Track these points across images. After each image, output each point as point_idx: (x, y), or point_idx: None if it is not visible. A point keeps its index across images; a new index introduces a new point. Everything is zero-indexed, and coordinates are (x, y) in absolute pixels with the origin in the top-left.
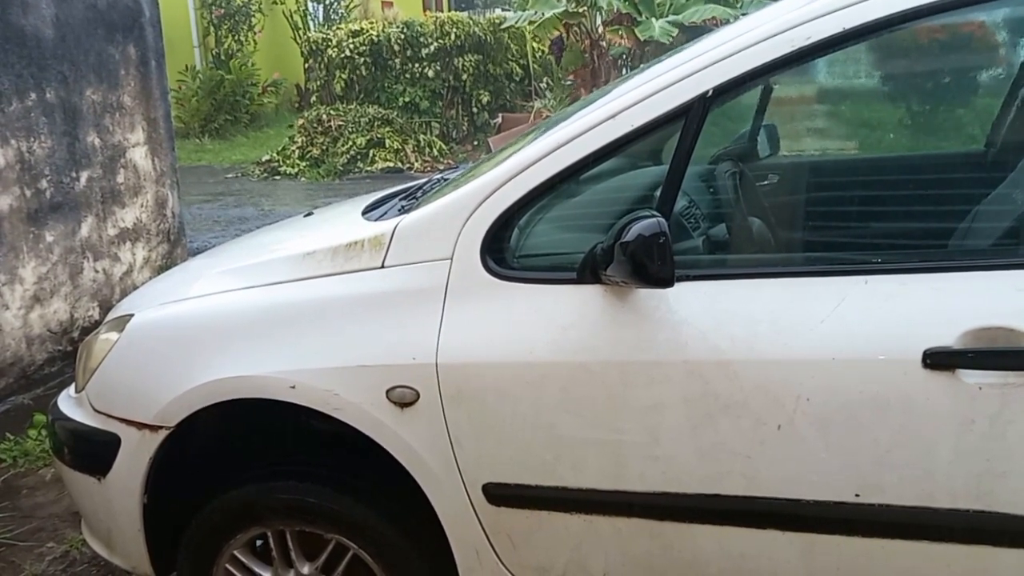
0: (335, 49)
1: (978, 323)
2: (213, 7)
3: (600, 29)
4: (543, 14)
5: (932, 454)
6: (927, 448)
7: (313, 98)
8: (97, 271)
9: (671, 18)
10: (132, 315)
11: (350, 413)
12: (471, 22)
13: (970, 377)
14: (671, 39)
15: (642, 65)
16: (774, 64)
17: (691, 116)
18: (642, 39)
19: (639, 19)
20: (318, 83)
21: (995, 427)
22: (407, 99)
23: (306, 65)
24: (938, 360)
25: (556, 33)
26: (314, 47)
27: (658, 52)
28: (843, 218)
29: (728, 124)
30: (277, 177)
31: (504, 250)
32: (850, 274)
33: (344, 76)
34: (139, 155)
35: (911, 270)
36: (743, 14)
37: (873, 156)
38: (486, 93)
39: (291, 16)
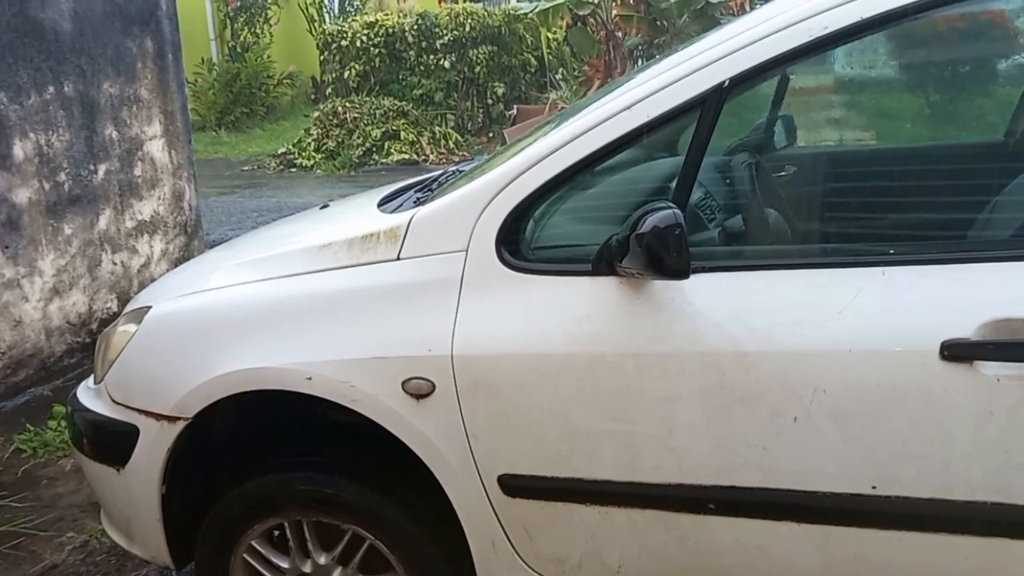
0: (350, 41)
1: (997, 314)
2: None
3: (615, 19)
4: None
5: (950, 446)
6: (945, 440)
7: (329, 90)
8: (115, 263)
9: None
10: (150, 307)
11: (366, 404)
12: (486, 13)
13: (989, 369)
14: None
15: (658, 56)
16: (791, 54)
17: (707, 107)
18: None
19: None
20: (333, 75)
21: (1014, 419)
22: (422, 91)
23: (321, 57)
24: (956, 352)
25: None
26: (329, 39)
27: (674, 43)
28: (860, 209)
29: (745, 114)
30: (293, 169)
31: (519, 242)
32: (867, 265)
33: (359, 68)
34: (156, 148)
35: (929, 261)
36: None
37: (891, 146)
38: (501, 84)
39: (306, 8)
